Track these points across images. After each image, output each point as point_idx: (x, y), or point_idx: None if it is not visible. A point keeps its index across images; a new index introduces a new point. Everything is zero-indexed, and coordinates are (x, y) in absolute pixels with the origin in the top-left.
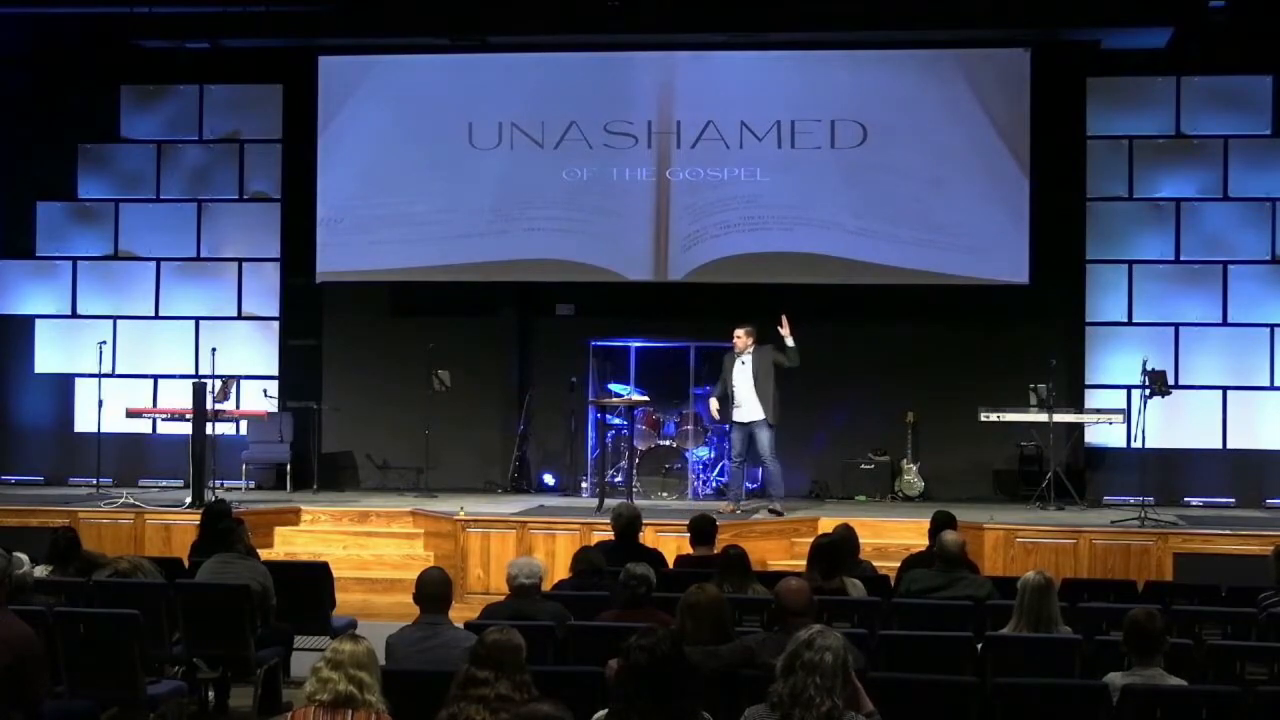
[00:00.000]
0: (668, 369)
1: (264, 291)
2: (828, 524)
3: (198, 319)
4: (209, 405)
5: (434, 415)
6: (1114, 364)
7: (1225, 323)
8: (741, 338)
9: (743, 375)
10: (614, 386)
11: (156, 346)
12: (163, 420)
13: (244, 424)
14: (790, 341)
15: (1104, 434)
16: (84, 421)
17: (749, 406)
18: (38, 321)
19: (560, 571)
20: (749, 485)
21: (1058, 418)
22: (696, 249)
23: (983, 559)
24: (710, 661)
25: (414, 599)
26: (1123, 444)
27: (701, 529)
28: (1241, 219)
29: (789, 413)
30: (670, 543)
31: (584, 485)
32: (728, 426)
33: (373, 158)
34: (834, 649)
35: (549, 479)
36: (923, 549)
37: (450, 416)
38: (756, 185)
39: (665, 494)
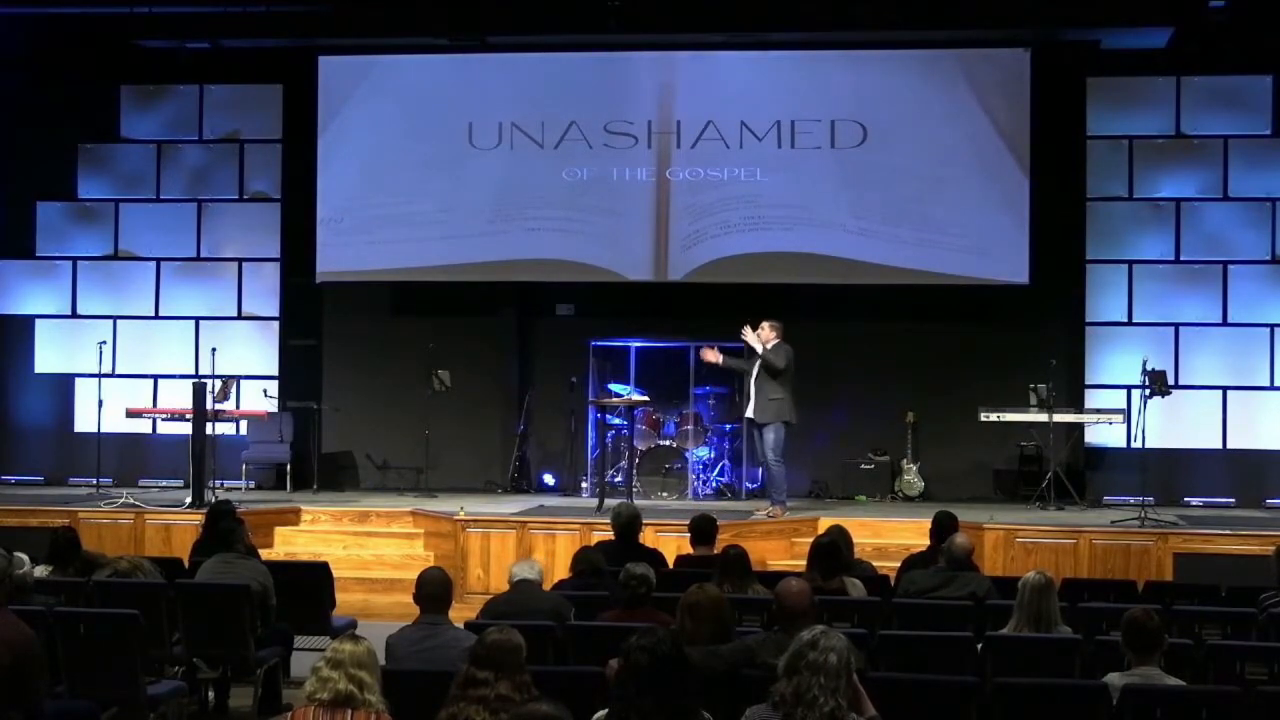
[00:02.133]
0: (668, 369)
1: (264, 291)
2: (828, 524)
3: (198, 319)
4: (209, 405)
5: (434, 415)
6: (1114, 364)
7: (1225, 323)
8: (765, 330)
9: (752, 373)
10: (614, 386)
11: (156, 346)
12: (163, 420)
13: (244, 424)
14: (758, 347)
15: (1104, 434)
16: (84, 421)
17: (750, 405)
18: (38, 321)
19: (560, 571)
20: (749, 485)
21: (1058, 418)
22: (696, 249)
23: (983, 559)
24: (710, 661)
25: (414, 599)
26: (1123, 444)
27: (702, 529)
28: (1241, 219)
29: None
30: (670, 543)
31: (584, 485)
32: (729, 427)
33: (373, 158)
34: (838, 650)
35: (549, 479)
36: (923, 549)
37: (450, 416)
38: (756, 185)
39: (665, 494)
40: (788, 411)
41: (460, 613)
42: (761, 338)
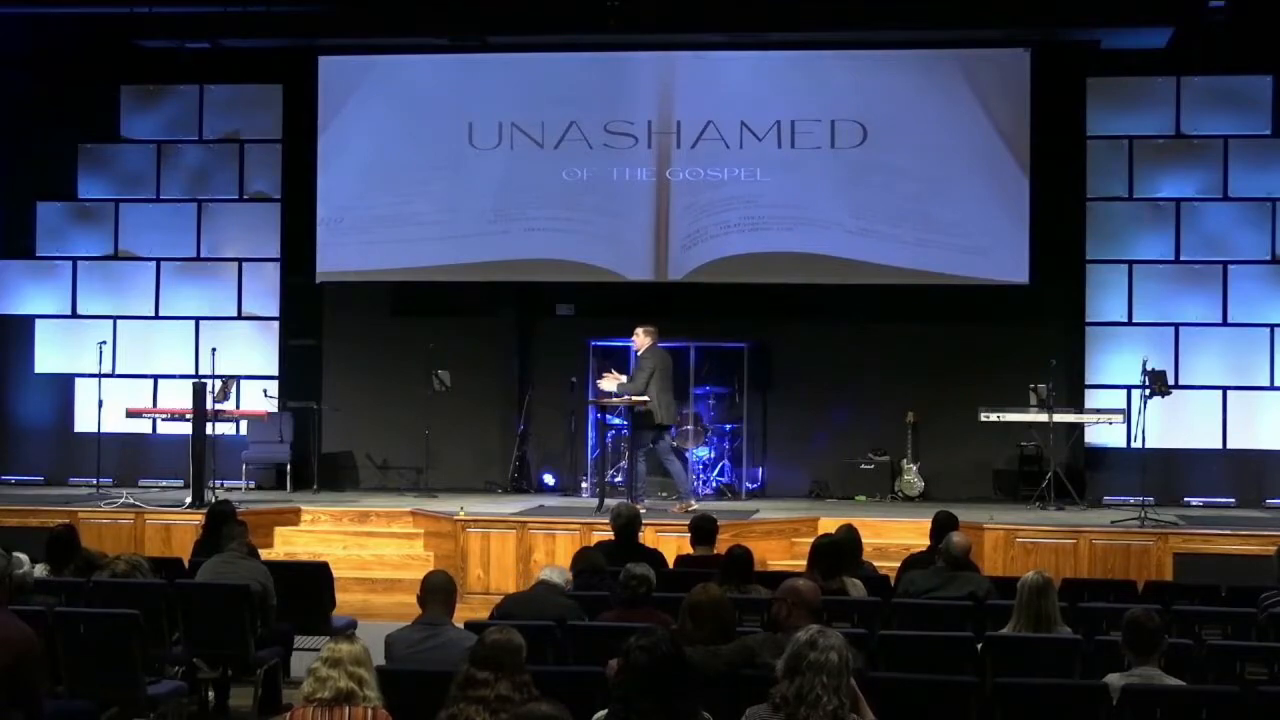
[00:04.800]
0: None
1: (264, 291)
2: (828, 524)
3: (198, 319)
4: (209, 405)
5: (434, 415)
6: (1114, 364)
7: (1225, 323)
8: (639, 336)
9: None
10: None
11: (156, 346)
12: (163, 420)
13: (244, 424)
14: (611, 388)
15: (1104, 434)
16: (84, 421)
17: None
18: (38, 321)
19: None
20: (749, 485)
21: (1058, 418)
22: (696, 249)
23: (983, 559)
24: (711, 661)
25: (418, 600)
26: (1123, 444)
27: (702, 529)
28: (1241, 219)
29: (788, 412)
30: (670, 543)
31: (584, 485)
32: (728, 427)
33: (373, 158)
34: (838, 648)
35: (549, 479)
36: (923, 549)
37: (450, 416)
38: (756, 185)
39: (665, 494)
40: (660, 416)
41: (460, 613)
42: (636, 344)
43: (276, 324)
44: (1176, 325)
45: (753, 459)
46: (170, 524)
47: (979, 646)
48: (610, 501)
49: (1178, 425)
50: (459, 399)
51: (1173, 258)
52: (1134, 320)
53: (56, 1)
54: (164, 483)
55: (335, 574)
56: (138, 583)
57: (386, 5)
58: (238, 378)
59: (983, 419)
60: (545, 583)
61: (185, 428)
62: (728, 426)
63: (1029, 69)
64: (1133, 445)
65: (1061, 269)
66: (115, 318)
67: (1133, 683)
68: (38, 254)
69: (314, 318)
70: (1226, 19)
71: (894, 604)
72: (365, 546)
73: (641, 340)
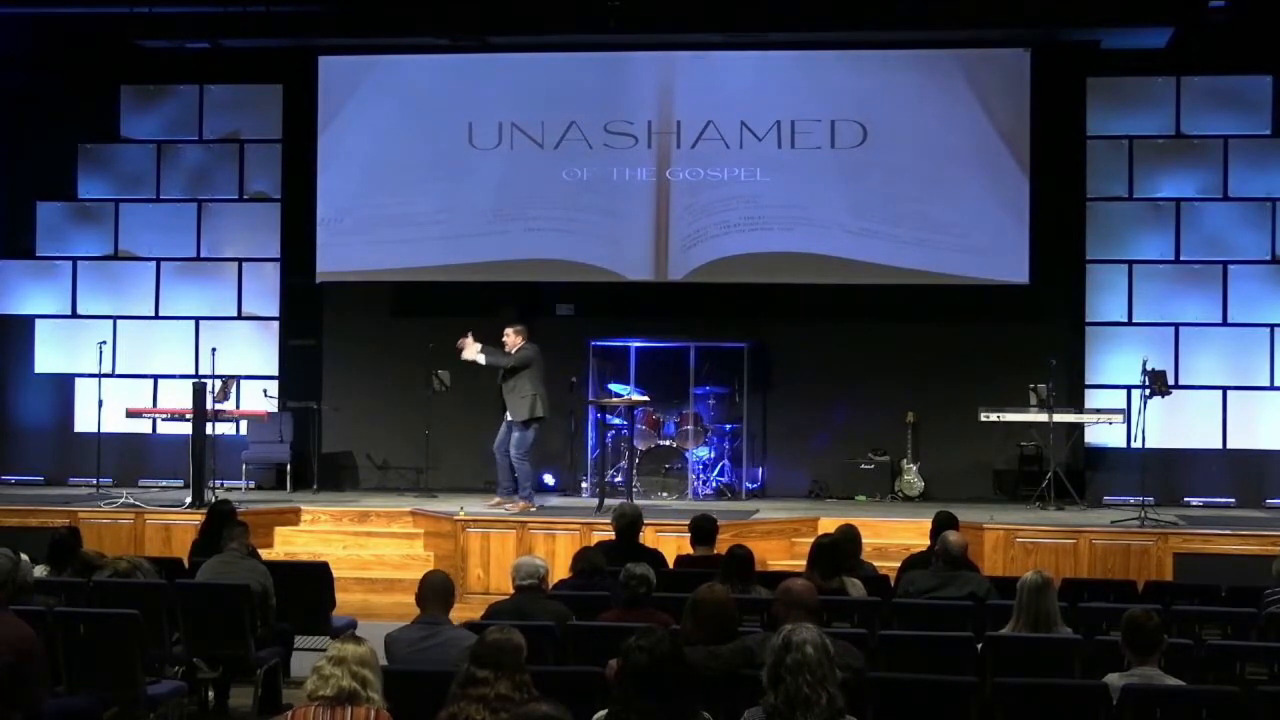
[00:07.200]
0: (668, 369)
1: (264, 291)
2: (828, 524)
3: (198, 319)
4: (209, 405)
5: (434, 415)
6: (1114, 364)
7: (1225, 323)
8: (510, 336)
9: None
10: (614, 386)
11: (156, 346)
12: (163, 420)
13: (244, 424)
14: (476, 358)
15: (1104, 434)
16: (84, 421)
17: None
18: (38, 321)
19: (560, 571)
20: (749, 485)
21: (1058, 418)
22: (696, 249)
23: (983, 559)
24: (711, 661)
25: (417, 600)
26: (1123, 444)
27: (702, 529)
28: (1241, 219)
29: (788, 412)
30: (670, 543)
31: (584, 485)
32: (729, 427)
33: (373, 158)
34: (811, 640)
35: (549, 479)
36: (923, 549)
37: (450, 416)
38: (756, 185)
39: (665, 494)
40: (539, 408)
41: (460, 613)
42: (506, 345)
43: (276, 324)
44: (1176, 325)
45: (753, 459)
46: (170, 524)
47: (979, 646)
48: (610, 501)
49: (1178, 425)
50: (459, 399)
51: (1173, 258)
52: (1134, 320)
53: (56, 1)
54: (164, 483)
55: (335, 574)
56: (138, 583)
57: (386, 5)
58: (238, 378)
59: (983, 419)
60: (523, 589)
61: (185, 428)
62: (728, 426)
63: (1029, 69)
64: (1133, 445)
65: (1061, 269)
66: (115, 318)
67: (1133, 683)
68: (38, 254)
69: (314, 318)
70: (1226, 19)
71: (894, 604)
72: (365, 546)
73: (513, 340)
